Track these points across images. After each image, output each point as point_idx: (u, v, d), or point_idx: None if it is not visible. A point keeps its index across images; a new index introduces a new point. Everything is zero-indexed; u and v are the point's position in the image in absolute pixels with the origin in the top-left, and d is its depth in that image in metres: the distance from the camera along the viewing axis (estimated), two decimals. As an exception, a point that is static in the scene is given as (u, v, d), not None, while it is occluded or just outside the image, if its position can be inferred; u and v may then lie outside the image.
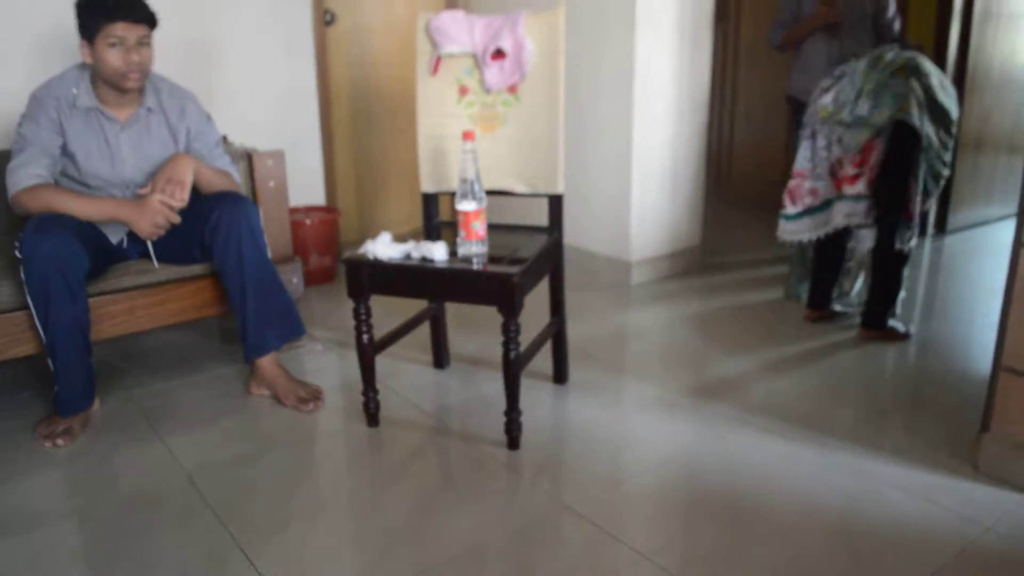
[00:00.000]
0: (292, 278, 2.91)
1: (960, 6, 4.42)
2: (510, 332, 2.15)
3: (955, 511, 1.94)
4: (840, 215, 3.04)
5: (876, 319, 3.06)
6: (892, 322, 3.08)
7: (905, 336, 3.06)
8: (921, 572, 1.73)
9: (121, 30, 2.34)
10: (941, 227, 4.72)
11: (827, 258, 3.25)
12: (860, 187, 2.96)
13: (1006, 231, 4.57)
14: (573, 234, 3.89)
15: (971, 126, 4.60)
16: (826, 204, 3.08)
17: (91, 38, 2.36)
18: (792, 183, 3.12)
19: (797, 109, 3.59)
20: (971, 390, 2.59)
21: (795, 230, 3.16)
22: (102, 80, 2.44)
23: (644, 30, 3.54)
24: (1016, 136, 4.85)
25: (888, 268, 3.04)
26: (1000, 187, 4.93)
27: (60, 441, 2.33)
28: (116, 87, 2.44)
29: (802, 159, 3.09)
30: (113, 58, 2.37)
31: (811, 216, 3.11)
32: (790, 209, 3.15)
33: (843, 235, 3.18)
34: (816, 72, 3.48)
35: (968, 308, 3.47)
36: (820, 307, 3.28)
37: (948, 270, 4.11)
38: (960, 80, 4.49)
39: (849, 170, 2.96)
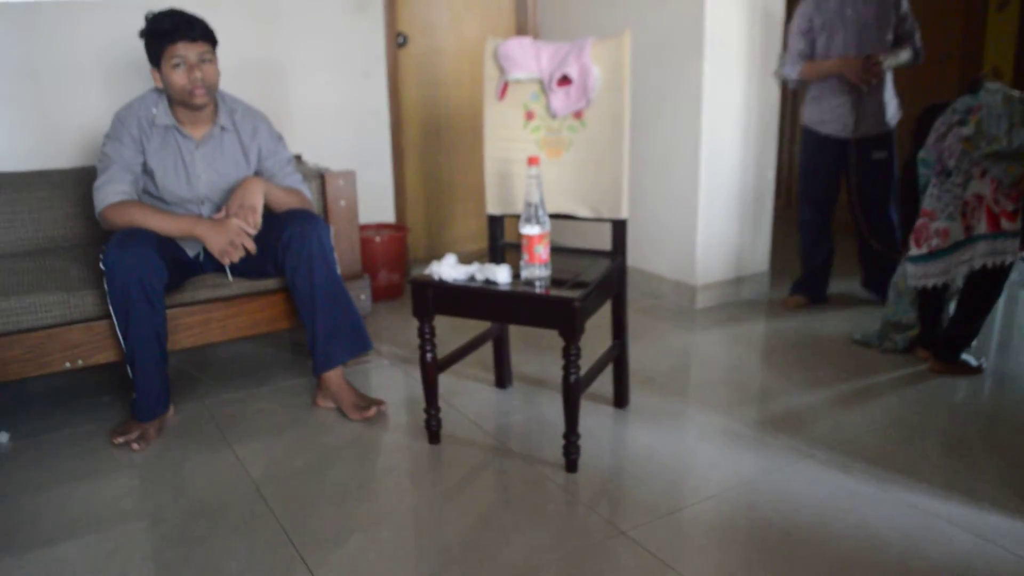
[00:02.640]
0: (360, 295, 2.98)
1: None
2: (570, 356, 2.17)
3: (1020, 554, 1.89)
4: (981, 255, 2.81)
5: (950, 352, 2.98)
6: (964, 355, 3.00)
7: (978, 370, 2.98)
8: (984, 615, 1.69)
9: (182, 50, 2.47)
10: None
11: (932, 303, 3.07)
12: (1018, 223, 2.76)
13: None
14: (638, 257, 3.90)
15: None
16: (956, 246, 2.88)
17: (157, 63, 2.50)
18: (919, 223, 2.96)
19: (809, 140, 3.68)
20: (1045, 429, 2.52)
21: (922, 274, 2.95)
22: (174, 101, 2.55)
23: (713, 56, 3.54)
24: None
25: (984, 300, 2.92)
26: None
27: (135, 445, 2.42)
28: (186, 105, 2.55)
29: (931, 197, 2.92)
30: (178, 77, 2.49)
31: (939, 259, 2.91)
32: (915, 251, 2.97)
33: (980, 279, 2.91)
34: (828, 102, 3.55)
35: (1045, 343, 3.37)
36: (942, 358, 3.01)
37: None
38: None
39: (1007, 205, 2.77)
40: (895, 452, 2.39)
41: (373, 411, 2.60)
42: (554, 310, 2.15)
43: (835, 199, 3.73)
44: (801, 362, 3.12)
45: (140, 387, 2.48)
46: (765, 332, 3.51)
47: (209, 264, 2.74)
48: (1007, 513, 2.07)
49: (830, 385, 2.89)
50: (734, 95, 3.67)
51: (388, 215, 4.19)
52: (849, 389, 2.86)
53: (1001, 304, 3.85)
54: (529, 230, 2.20)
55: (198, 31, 2.50)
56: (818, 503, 2.12)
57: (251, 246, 2.51)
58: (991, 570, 1.84)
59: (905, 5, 3.48)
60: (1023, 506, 2.09)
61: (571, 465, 2.28)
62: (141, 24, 2.52)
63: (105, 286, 2.40)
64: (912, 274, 2.99)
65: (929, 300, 3.08)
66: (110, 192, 2.48)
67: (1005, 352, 3.26)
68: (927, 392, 2.83)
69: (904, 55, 3.47)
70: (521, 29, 4.50)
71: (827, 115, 3.58)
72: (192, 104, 2.55)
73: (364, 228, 3.90)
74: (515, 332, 3.07)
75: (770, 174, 3.93)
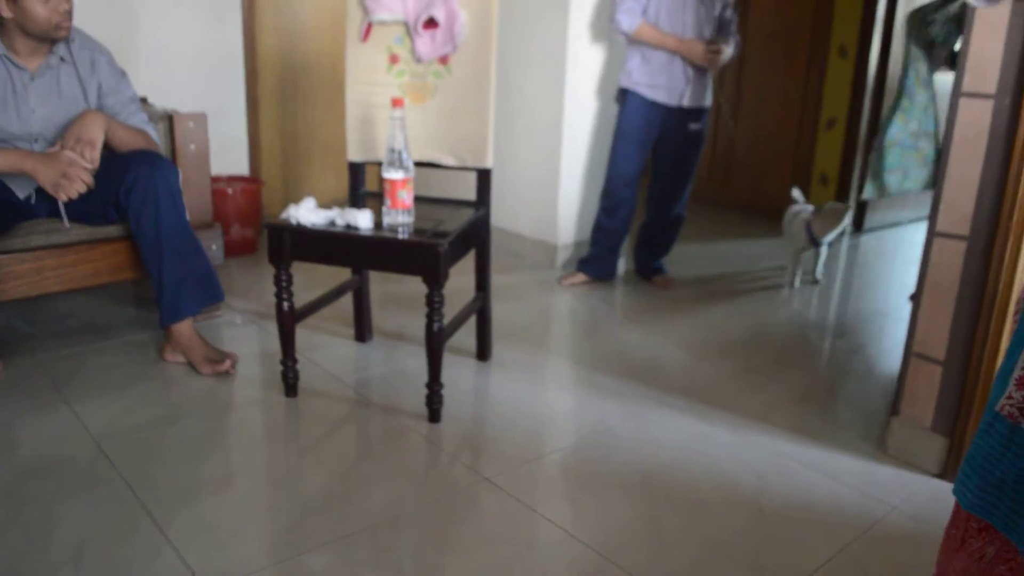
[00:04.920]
0: (212, 244, 2.82)
1: (882, 17, 4.56)
2: (434, 303, 2.13)
3: (864, 491, 2.00)
4: None
5: None
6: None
7: None
8: (830, 548, 1.77)
9: None
10: (858, 226, 4.87)
11: None
12: None
13: (918, 232, 4.74)
14: (499, 215, 3.88)
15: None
16: None
17: None
18: None
19: (633, 104, 3.36)
20: (883, 379, 2.67)
21: None
22: (26, 34, 2.33)
23: (578, 12, 3.54)
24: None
25: None
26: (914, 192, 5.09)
27: (-43, 403, 2.22)
28: (46, 39, 2.35)
29: None
30: (42, 9, 2.28)
31: None
32: None
33: None
34: (664, 67, 3.27)
35: (882, 301, 3.58)
36: None
37: (864, 266, 4.24)
38: (880, 88, 4.66)
39: None
40: (747, 399, 2.48)
41: (227, 364, 2.47)
42: (418, 255, 2.10)
43: (645, 169, 3.50)
44: (657, 318, 3.19)
45: (-38, 339, 2.27)
46: (624, 291, 3.57)
47: (43, 207, 2.51)
48: (851, 454, 2.18)
49: (684, 338, 2.97)
50: (597, 52, 3.68)
51: (242, 168, 4.00)
52: (701, 341, 2.95)
53: (841, 269, 4.08)
54: (392, 174, 2.13)
55: None
56: (676, 447, 2.17)
57: (88, 179, 2.31)
58: (838, 505, 1.93)
59: None
60: (866, 448, 2.21)
61: (434, 415, 2.24)
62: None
63: (-80, 227, 2.17)
64: None
65: None
66: None
67: (844, 312, 3.44)
68: (783, 345, 2.96)
69: (732, 47, 3.36)
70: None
71: (660, 80, 3.30)
72: (56, 38, 2.36)
73: (216, 180, 3.71)
74: (375, 289, 3.00)
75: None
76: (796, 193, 3.87)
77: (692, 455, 2.14)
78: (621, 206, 3.48)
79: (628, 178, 3.45)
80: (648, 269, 3.69)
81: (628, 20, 3.20)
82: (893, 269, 4.15)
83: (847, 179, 4.85)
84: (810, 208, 3.70)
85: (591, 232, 3.61)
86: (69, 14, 2.34)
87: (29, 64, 2.40)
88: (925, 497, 1.99)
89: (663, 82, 3.31)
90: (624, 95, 3.40)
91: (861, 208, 4.85)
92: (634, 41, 3.28)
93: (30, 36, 2.33)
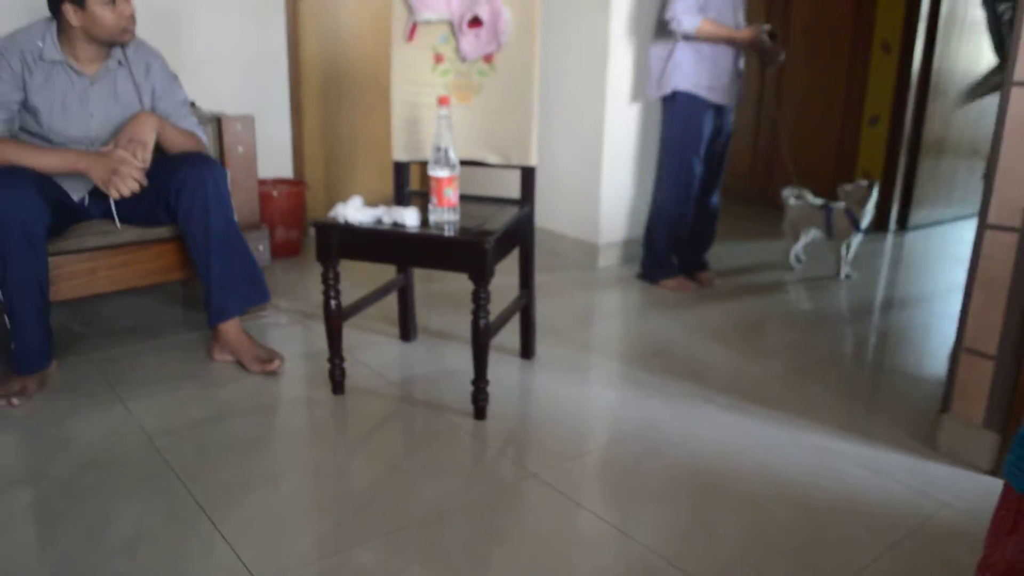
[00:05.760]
0: (258, 245, 2.86)
1: (926, 11, 4.50)
2: (480, 300, 2.14)
3: (914, 488, 1.97)
4: None
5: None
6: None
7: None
8: (880, 544, 1.75)
9: None
10: (903, 224, 4.80)
11: None
12: None
13: (964, 230, 4.67)
14: (541, 214, 3.88)
15: (934, 129, 4.69)
16: None
17: (81, 0, 2.32)
18: None
19: (690, 106, 3.28)
20: (932, 375, 2.64)
21: None
22: (91, 40, 2.39)
23: (619, 9, 3.54)
24: (977, 140, 4.94)
25: None
26: (960, 188, 5.02)
27: (15, 400, 2.27)
28: (112, 43, 2.43)
29: None
30: (111, 15, 2.35)
31: None
32: None
33: None
34: (721, 68, 3.24)
35: (928, 299, 3.53)
36: None
37: (909, 264, 4.18)
38: (924, 84, 4.59)
39: None
40: (795, 397, 2.46)
41: (276, 364, 2.51)
42: (464, 252, 2.11)
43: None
44: (699, 315, 3.18)
45: (20, 338, 2.32)
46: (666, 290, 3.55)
47: (96, 209, 2.57)
48: (901, 450, 2.15)
49: (728, 336, 2.95)
50: (638, 51, 3.68)
51: (286, 170, 4.05)
52: (744, 338, 2.93)
53: (886, 266, 4.03)
54: (438, 172, 2.15)
55: None
56: (722, 445, 2.16)
57: (140, 177, 2.35)
58: (888, 502, 1.91)
59: None
60: (915, 445, 2.18)
61: (479, 412, 2.25)
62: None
63: (-21, 228, 2.23)
64: None
65: None
66: None
67: (891, 309, 3.40)
68: (826, 343, 2.93)
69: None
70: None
71: (718, 81, 3.27)
72: (123, 42, 2.44)
73: (261, 183, 3.75)
74: (419, 288, 3.02)
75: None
76: (787, 191, 3.89)
77: (739, 452, 2.12)
78: (680, 221, 3.46)
79: (694, 192, 3.41)
80: (694, 264, 3.64)
81: (690, 19, 3.13)
82: (939, 266, 4.09)
83: (891, 176, 4.79)
84: (808, 196, 3.79)
85: (661, 240, 3.52)
86: (133, 18, 2.42)
87: (88, 70, 2.45)
88: (977, 494, 1.95)
89: (720, 84, 3.26)
90: (679, 98, 3.30)
91: (905, 205, 4.79)
92: (692, 39, 3.21)
93: (95, 42, 2.40)
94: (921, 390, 2.53)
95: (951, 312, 2.69)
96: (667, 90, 3.31)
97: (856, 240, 3.66)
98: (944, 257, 4.25)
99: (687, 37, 3.20)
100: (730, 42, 3.23)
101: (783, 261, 3.94)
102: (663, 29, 3.28)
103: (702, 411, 2.36)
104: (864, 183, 3.57)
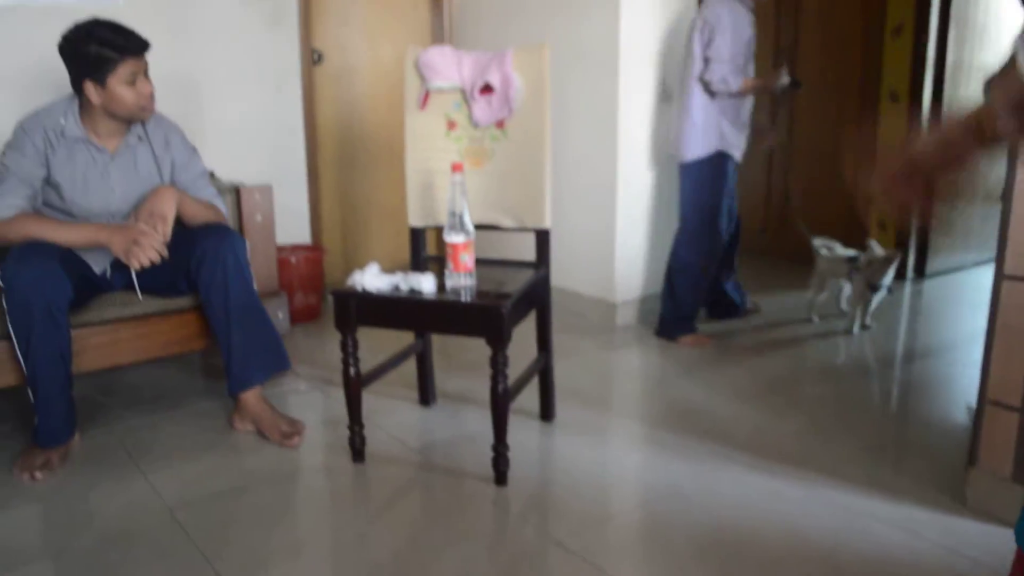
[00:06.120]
0: (278, 313, 2.89)
1: (933, 57, 4.54)
2: (498, 364, 2.14)
3: (944, 545, 1.94)
4: None
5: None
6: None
7: None
8: (913, 605, 1.72)
9: (133, 66, 2.38)
10: (920, 272, 4.79)
11: None
12: None
13: (980, 276, 4.64)
14: (558, 275, 3.90)
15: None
16: None
17: (102, 79, 2.36)
18: None
19: (723, 167, 3.40)
20: (956, 427, 2.60)
21: None
22: (111, 117, 2.45)
23: (628, 72, 3.60)
24: (990, 184, 4.92)
25: None
26: (976, 234, 5.01)
27: (38, 474, 2.28)
28: (132, 120, 2.48)
29: None
30: (131, 93, 2.40)
31: None
32: None
33: None
34: (745, 126, 3.42)
35: (949, 348, 3.50)
36: None
37: (929, 313, 4.16)
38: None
39: None
40: (816, 454, 2.43)
41: (296, 440, 2.50)
42: (481, 317, 2.12)
43: None
44: (719, 372, 3.16)
45: (43, 412, 2.34)
46: (684, 347, 3.54)
47: (118, 281, 2.61)
48: (928, 507, 2.12)
49: (749, 392, 2.93)
50: (648, 111, 3.72)
51: (304, 236, 4.10)
52: (765, 394, 2.91)
53: (905, 315, 4.01)
54: (454, 238, 2.17)
55: (143, 44, 2.42)
56: (746, 505, 2.14)
57: (161, 249, 2.37)
58: (917, 561, 1.87)
59: None
60: (943, 500, 2.15)
61: (500, 477, 2.24)
62: (47, 30, 2.40)
63: (3, 303, 2.26)
64: None
65: None
66: (3, 206, 2.34)
67: (911, 359, 3.37)
68: (843, 397, 2.90)
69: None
70: (437, 43, 4.48)
71: (742, 140, 3.44)
72: (142, 119, 2.50)
73: (280, 249, 3.80)
74: (437, 351, 3.03)
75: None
76: (817, 241, 3.88)
77: (763, 512, 2.10)
78: (706, 275, 3.53)
79: (707, 242, 3.49)
80: (724, 302, 3.80)
81: (735, 79, 3.24)
82: (959, 313, 4.06)
83: (906, 225, 4.78)
84: (838, 247, 3.78)
85: (686, 295, 3.53)
86: (152, 97, 2.46)
87: (109, 145, 2.51)
88: (1008, 550, 1.91)
89: (741, 138, 3.43)
90: (713, 159, 3.39)
91: (922, 252, 4.78)
92: (725, 97, 3.32)
93: (114, 119, 2.45)
94: (947, 442, 2.50)
95: (974, 359, 2.66)
96: (709, 151, 3.38)
97: (878, 297, 3.65)
98: (963, 304, 4.23)
99: (727, 95, 3.32)
100: (761, 91, 3.39)
101: (802, 314, 3.92)
102: (698, 91, 3.35)
103: (726, 471, 2.33)
104: (882, 254, 3.55)
